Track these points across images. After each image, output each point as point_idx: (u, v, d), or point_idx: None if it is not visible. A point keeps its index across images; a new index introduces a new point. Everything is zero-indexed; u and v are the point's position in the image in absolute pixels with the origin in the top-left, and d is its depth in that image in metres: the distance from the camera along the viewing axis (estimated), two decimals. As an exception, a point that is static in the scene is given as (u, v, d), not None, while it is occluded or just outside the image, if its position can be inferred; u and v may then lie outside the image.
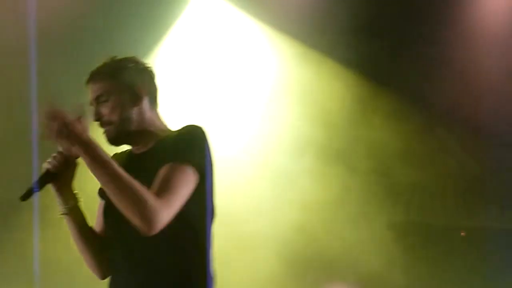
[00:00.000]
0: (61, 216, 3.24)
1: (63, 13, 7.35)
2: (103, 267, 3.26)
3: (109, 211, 3.17)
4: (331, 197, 7.81)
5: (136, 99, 3.16)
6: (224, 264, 7.60)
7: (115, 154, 3.33)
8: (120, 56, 3.25)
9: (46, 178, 3.13)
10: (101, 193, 3.22)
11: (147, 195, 2.88)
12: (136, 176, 2.97)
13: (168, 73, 7.71)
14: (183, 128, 3.12)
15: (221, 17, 7.82)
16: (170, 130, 3.21)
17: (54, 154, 3.13)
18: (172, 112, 7.54)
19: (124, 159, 3.22)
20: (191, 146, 3.06)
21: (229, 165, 7.73)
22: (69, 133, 2.87)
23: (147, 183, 2.96)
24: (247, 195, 7.76)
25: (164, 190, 2.93)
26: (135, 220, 2.88)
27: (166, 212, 2.92)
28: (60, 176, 3.15)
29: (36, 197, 7.07)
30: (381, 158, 7.81)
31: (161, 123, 3.25)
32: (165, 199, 2.92)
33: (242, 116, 7.85)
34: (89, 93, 3.21)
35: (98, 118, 3.16)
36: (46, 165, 3.14)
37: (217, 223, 7.52)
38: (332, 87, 7.88)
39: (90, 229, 3.29)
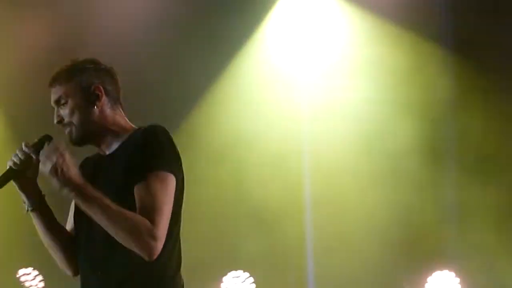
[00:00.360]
0: (27, 212, 3.22)
1: (159, 12, 7.52)
2: (73, 263, 3.25)
3: (80, 213, 3.16)
4: (433, 186, 7.72)
5: (94, 100, 3.18)
6: (325, 252, 7.69)
7: (87, 159, 3.34)
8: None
9: (9, 175, 3.12)
10: None
11: (141, 223, 2.93)
12: (106, 179, 3.09)
13: (266, 59, 7.77)
14: (146, 132, 3.12)
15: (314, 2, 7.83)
16: (133, 129, 3.22)
17: (17, 152, 3.13)
18: (270, 101, 7.74)
19: (95, 162, 3.24)
20: (161, 152, 3.06)
21: (329, 155, 7.74)
22: (62, 176, 2.94)
23: (114, 185, 3.04)
24: (348, 184, 7.73)
25: (152, 211, 2.96)
26: (135, 249, 2.94)
27: (161, 234, 2.96)
28: (23, 173, 3.14)
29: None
30: (486, 144, 7.67)
31: (125, 122, 3.25)
32: (156, 222, 2.95)
33: (340, 104, 7.81)
34: (51, 98, 3.23)
35: (59, 120, 3.18)
36: (9, 163, 3.14)
37: (318, 213, 7.63)
38: (430, 69, 7.77)
39: (58, 224, 3.27)
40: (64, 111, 3.17)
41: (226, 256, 7.68)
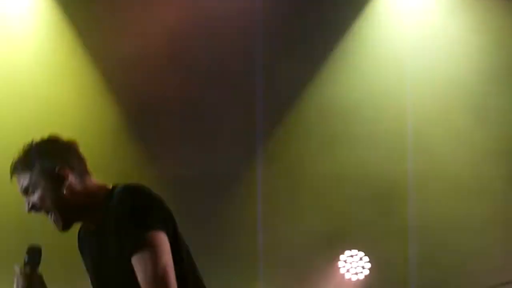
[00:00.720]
0: None
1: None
2: None
3: (94, 276, 3.24)
4: None
5: (61, 182, 3.11)
6: (439, 231, 7.49)
7: (80, 230, 3.31)
8: (37, 139, 3.20)
9: None
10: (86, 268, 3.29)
11: None
12: (105, 257, 3.11)
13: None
14: (118, 202, 3.07)
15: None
16: (108, 193, 3.15)
17: (15, 279, 3.15)
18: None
19: (89, 237, 3.23)
20: (139, 216, 3.03)
21: (438, 129, 7.67)
22: None
23: (114, 265, 3.09)
24: (461, 158, 7.57)
25: (155, 279, 2.98)
26: None
27: None
28: None
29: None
30: None
31: (98, 189, 3.17)
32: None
33: (450, 78, 7.71)
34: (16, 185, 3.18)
35: (31, 207, 3.14)
36: None
37: (429, 189, 7.48)
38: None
39: None
40: (34, 198, 3.12)
41: (342, 235, 7.74)
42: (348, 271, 7.78)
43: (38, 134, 3.18)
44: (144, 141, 7.76)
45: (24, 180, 3.12)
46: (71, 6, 7.74)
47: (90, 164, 3.17)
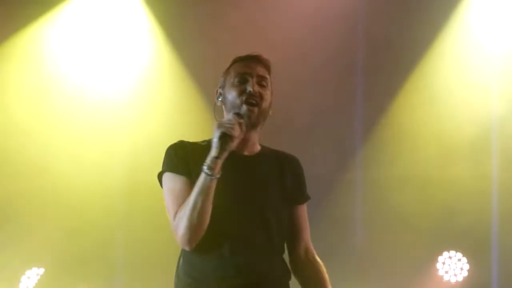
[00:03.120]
0: (211, 179, 3.29)
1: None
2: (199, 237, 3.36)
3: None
4: None
5: (271, 106, 3.51)
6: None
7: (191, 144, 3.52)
8: None
9: (227, 139, 3.31)
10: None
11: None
12: (255, 172, 3.47)
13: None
14: (296, 160, 3.61)
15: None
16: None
17: (232, 123, 3.34)
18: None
19: (235, 160, 3.40)
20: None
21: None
22: None
23: (265, 180, 3.46)
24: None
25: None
26: None
27: None
28: (235, 139, 3.34)
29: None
30: None
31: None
32: None
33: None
34: (248, 67, 3.49)
35: (256, 96, 3.43)
36: (227, 131, 3.30)
37: None
38: None
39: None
40: (265, 93, 3.46)
41: (440, 236, 7.75)
42: (446, 272, 7.80)
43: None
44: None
45: (266, 74, 3.48)
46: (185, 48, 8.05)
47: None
